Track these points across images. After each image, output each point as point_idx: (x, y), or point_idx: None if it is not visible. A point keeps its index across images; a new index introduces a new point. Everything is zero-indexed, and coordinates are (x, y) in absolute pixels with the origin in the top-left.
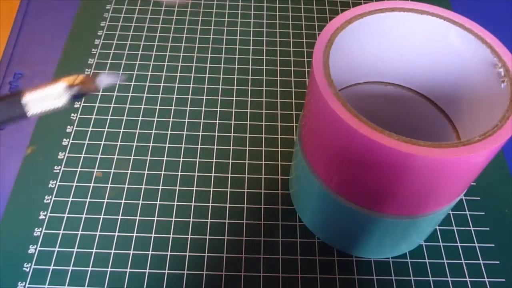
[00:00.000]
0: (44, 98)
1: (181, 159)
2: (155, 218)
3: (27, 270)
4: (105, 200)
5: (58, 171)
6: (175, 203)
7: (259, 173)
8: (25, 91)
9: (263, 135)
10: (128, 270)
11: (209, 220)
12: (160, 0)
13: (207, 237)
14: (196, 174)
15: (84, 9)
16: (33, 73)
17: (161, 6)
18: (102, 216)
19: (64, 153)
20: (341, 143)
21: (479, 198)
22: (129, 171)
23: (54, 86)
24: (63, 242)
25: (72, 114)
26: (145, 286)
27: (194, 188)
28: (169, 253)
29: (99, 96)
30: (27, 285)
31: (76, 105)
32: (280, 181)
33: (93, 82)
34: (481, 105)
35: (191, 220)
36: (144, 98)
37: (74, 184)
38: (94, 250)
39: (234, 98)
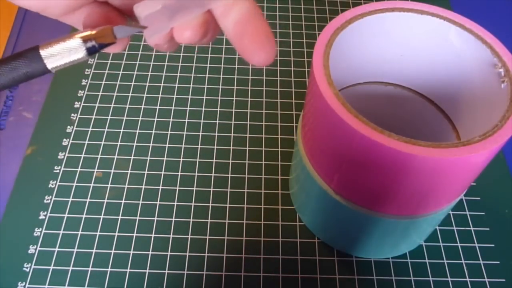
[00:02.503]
0: (61, 53)
1: (181, 159)
2: (155, 218)
3: (27, 270)
4: (105, 200)
5: (58, 171)
6: (175, 203)
7: (259, 173)
8: (41, 47)
9: (263, 135)
10: (128, 270)
11: (209, 220)
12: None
13: (207, 237)
14: (196, 174)
15: None
16: None
17: None
18: (102, 216)
19: (64, 153)
20: (341, 143)
21: (479, 198)
22: (129, 171)
23: (69, 41)
24: (63, 242)
25: (72, 114)
26: (145, 286)
27: (194, 188)
28: (169, 253)
29: (99, 96)
30: (27, 285)
31: (76, 105)
32: (280, 181)
33: (109, 35)
34: (481, 105)
35: (191, 220)
36: (144, 98)
37: (74, 184)
38: (94, 250)
39: (234, 98)
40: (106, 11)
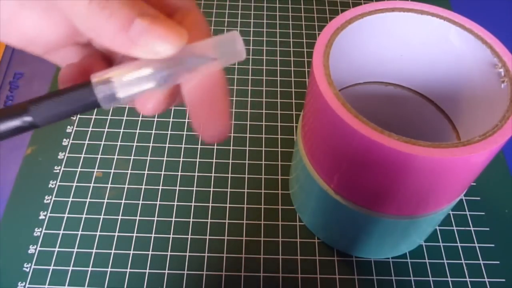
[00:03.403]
0: (133, 82)
1: (181, 159)
2: (155, 218)
3: (27, 270)
4: (105, 200)
5: (58, 171)
6: (175, 203)
7: (259, 173)
8: (113, 74)
9: (263, 135)
10: (128, 270)
11: (209, 220)
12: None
13: (207, 237)
14: (196, 174)
15: None
16: (33, 73)
17: None
18: (102, 216)
19: (64, 153)
20: (341, 143)
21: (479, 198)
22: (129, 171)
23: (141, 70)
24: (63, 242)
25: None
26: (145, 286)
27: (194, 188)
28: (169, 253)
29: None
30: (27, 285)
31: None
32: (280, 181)
33: (185, 66)
34: (481, 105)
35: (191, 220)
36: None
37: (74, 184)
38: (94, 250)
39: (234, 98)
40: (88, 53)
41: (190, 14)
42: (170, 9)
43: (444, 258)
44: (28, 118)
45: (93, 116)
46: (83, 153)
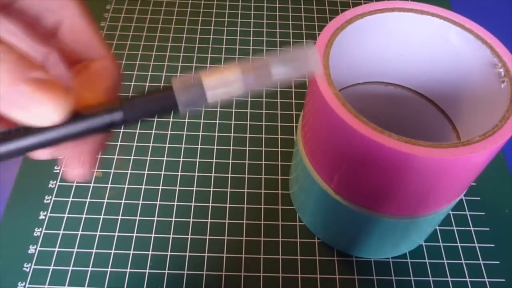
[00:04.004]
0: (222, 85)
1: (181, 159)
2: (155, 218)
3: (27, 270)
4: (105, 200)
5: (58, 171)
6: (175, 203)
7: (259, 173)
8: (203, 76)
9: (263, 135)
10: (128, 270)
11: (209, 220)
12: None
13: (207, 237)
14: (196, 174)
15: None
16: None
17: (161, 6)
18: (102, 216)
19: None
20: (341, 143)
21: (479, 198)
22: (129, 171)
23: (230, 73)
24: (63, 242)
25: None
26: (145, 286)
27: (194, 188)
28: (169, 253)
29: None
30: (27, 285)
31: None
32: (280, 181)
33: (267, 72)
34: (481, 105)
35: (191, 220)
36: None
37: (74, 184)
38: (94, 250)
39: (234, 98)
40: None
41: (99, 60)
42: (77, 56)
43: (444, 258)
44: (119, 115)
45: None
46: None
